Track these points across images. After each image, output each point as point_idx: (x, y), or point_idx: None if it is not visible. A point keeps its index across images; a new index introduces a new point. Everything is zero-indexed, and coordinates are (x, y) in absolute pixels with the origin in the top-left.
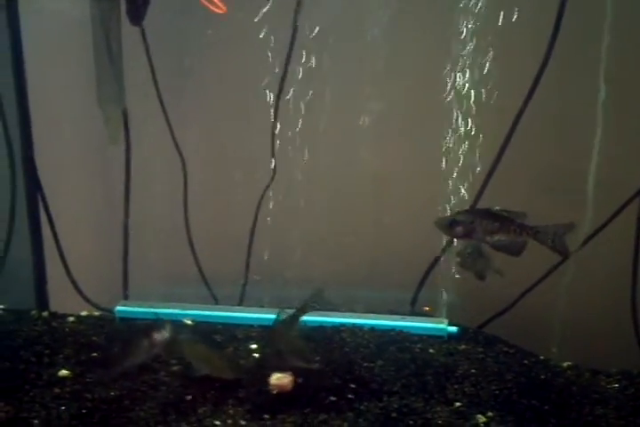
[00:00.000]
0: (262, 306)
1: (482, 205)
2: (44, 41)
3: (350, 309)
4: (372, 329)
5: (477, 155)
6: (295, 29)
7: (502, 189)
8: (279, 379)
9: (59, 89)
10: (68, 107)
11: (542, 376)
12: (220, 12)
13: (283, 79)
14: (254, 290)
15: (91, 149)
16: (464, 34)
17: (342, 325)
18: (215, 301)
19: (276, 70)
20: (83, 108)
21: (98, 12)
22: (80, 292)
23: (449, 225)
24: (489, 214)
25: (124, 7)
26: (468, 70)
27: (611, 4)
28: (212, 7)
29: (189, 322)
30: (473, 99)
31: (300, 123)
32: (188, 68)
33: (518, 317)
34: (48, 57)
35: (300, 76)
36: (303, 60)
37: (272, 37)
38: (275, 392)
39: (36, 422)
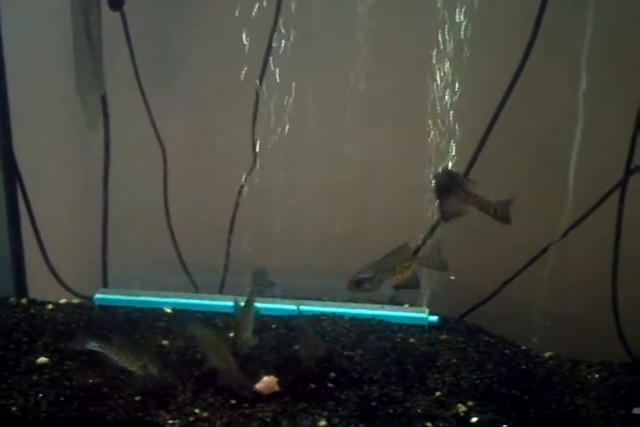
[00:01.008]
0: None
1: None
2: (22, 26)
3: (331, 298)
4: (353, 318)
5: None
6: (278, 15)
7: (487, 177)
8: (265, 383)
9: (37, 75)
10: (47, 93)
11: (523, 366)
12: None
13: (264, 66)
14: (235, 278)
15: (69, 135)
16: (448, 23)
17: (323, 314)
18: (195, 288)
19: (259, 57)
20: (61, 95)
21: None
22: (59, 279)
23: None
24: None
25: None
26: (452, 59)
27: None
28: None
29: (169, 310)
30: (458, 89)
31: (283, 111)
32: (169, 55)
33: (500, 307)
34: (26, 42)
35: (283, 64)
36: (287, 47)
37: (257, 23)
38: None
39: (14, 409)
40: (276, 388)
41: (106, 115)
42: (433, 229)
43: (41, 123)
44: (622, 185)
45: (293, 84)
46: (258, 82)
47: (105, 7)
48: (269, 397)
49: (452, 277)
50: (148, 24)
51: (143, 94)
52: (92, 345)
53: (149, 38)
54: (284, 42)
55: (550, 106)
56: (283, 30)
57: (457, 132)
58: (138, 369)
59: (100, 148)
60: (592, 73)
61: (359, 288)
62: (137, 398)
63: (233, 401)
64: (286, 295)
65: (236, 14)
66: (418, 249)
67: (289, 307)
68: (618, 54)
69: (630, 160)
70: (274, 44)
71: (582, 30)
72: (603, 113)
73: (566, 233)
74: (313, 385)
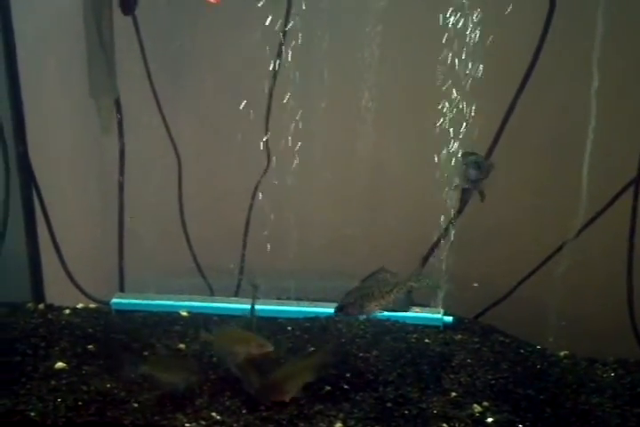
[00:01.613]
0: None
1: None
2: (35, 31)
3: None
4: (368, 319)
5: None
6: (288, 15)
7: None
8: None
9: (51, 79)
10: (61, 97)
11: (538, 366)
12: (214, 2)
13: (277, 67)
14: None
15: (84, 139)
16: (458, 22)
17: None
18: (211, 292)
19: (271, 59)
20: (75, 99)
21: (89, 0)
22: (76, 284)
23: None
24: None
25: None
26: (463, 57)
27: None
28: None
29: (185, 313)
30: (468, 87)
31: (295, 113)
32: (182, 57)
33: (515, 306)
34: (40, 46)
35: (295, 64)
36: (298, 47)
37: (269, 23)
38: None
39: (32, 414)
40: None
41: (120, 118)
42: (446, 230)
43: (56, 127)
44: (636, 182)
45: (306, 87)
46: (270, 85)
47: (117, 11)
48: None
49: (476, 284)
50: (161, 27)
51: (156, 97)
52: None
53: (162, 41)
54: (295, 43)
55: (562, 105)
56: (294, 31)
57: (468, 133)
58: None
59: (114, 151)
60: (604, 70)
61: (344, 313)
62: (153, 402)
63: (249, 404)
64: (301, 297)
65: (249, 16)
66: (427, 257)
67: (304, 309)
68: (631, 51)
69: None
70: (284, 48)
71: (593, 26)
72: (616, 111)
73: (580, 232)
74: (328, 387)
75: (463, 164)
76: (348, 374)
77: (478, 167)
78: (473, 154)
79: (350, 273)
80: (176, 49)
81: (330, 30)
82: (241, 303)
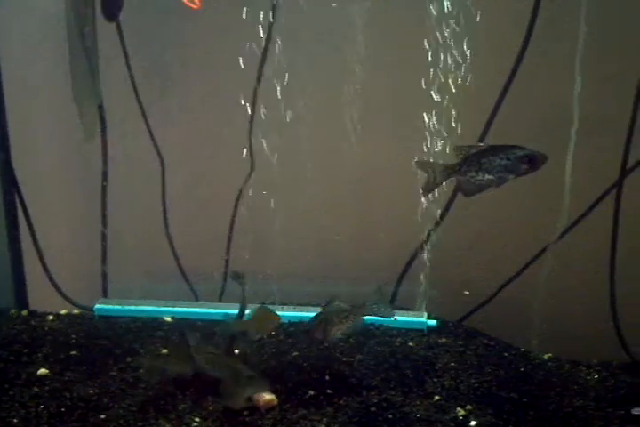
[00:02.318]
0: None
1: None
2: (18, 37)
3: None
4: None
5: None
6: (273, 22)
7: None
8: (265, 398)
9: (33, 85)
10: (44, 103)
11: (522, 369)
12: (195, 7)
13: (260, 71)
14: (234, 286)
15: (67, 145)
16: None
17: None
18: (195, 297)
19: (255, 63)
20: (58, 105)
21: (72, 5)
22: (59, 290)
23: None
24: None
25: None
26: (449, 63)
27: None
28: (187, 2)
29: (169, 319)
30: (455, 92)
31: (280, 117)
32: (165, 63)
33: (499, 309)
34: (22, 52)
35: (279, 70)
36: (282, 53)
37: (251, 29)
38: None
39: (15, 421)
40: (275, 403)
41: (103, 124)
42: (429, 234)
43: (38, 133)
44: (619, 184)
45: (290, 90)
46: (254, 88)
47: (100, 18)
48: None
49: (467, 292)
50: (144, 32)
51: (140, 103)
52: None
53: (145, 47)
54: (280, 45)
55: (545, 107)
56: (279, 34)
57: (455, 134)
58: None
59: (97, 157)
60: (587, 71)
61: (310, 338)
62: (136, 408)
63: (232, 409)
64: (285, 302)
65: (232, 21)
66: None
67: (288, 313)
68: (613, 52)
69: (625, 160)
70: (270, 48)
71: (577, 26)
72: (598, 112)
73: (563, 234)
74: (312, 392)
75: (504, 157)
76: (331, 379)
77: (529, 161)
78: (516, 147)
79: (336, 277)
80: (160, 54)
81: (314, 36)
82: (225, 308)
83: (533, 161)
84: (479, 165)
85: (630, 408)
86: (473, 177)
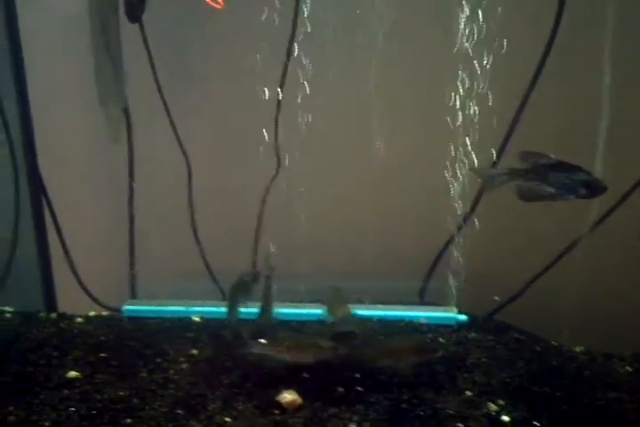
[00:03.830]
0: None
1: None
2: (42, 40)
3: (359, 300)
4: (381, 320)
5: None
6: (296, 18)
7: None
8: (287, 399)
9: (59, 88)
10: (70, 106)
11: (554, 362)
12: (219, 7)
13: (285, 69)
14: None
15: (94, 147)
16: (465, 24)
17: (351, 317)
18: (223, 296)
19: (279, 61)
20: (84, 107)
21: (96, 8)
22: (88, 292)
23: None
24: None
25: (122, 4)
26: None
27: None
28: (210, 3)
29: (197, 319)
30: (479, 88)
31: (304, 114)
32: (189, 64)
33: (530, 303)
34: (47, 56)
35: (302, 67)
36: (306, 49)
37: (274, 29)
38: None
39: (46, 424)
40: (298, 403)
41: (129, 126)
42: (458, 229)
43: (65, 136)
44: None
45: (315, 87)
46: (279, 86)
47: (124, 19)
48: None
49: (497, 298)
50: (168, 34)
51: (165, 104)
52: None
53: (169, 48)
54: (304, 44)
55: (575, 100)
56: (302, 33)
57: (480, 133)
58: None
59: (124, 158)
60: (617, 67)
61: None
62: (167, 409)
63: (263, 408)
64: (313, 300)
65: (255, 19)
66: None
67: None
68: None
69: None
70: (294, 47)
71: (604, 22)
72: (629, 106)
73: (595, 226)
74: (341, 389)
75: (569, 177)
76: (361, 377)
77: (589, 187)
78: (580, 170)
79: (363, 274)
80: (184, 56)
81: (336, 34)
82: (252, 307)
83: (593, 188)
84: (547, 176)
85: None
86: (538, 185)
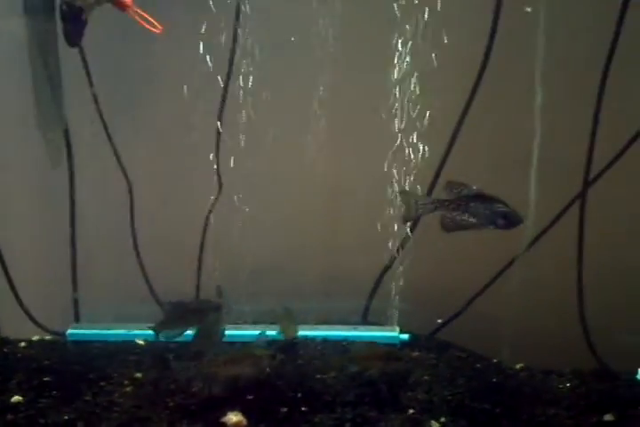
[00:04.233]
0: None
1: None
2: None
3: (303, 321)
4: (325, 340)
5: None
6: (235, 40)
7: None
8: (233, 420)
9: None
10: (8, 129)
11: (494, 379)
12: (157, 31)
13: (225, 91)
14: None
15: (34, 171)
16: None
17: (295, 337)
18: None
19: (220, 83)
20: (23, 131)
21: (34, 33)
22: (30, 316)
23: None
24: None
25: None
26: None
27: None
28: (148, 27)
29: (141, 342)
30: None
31: (245, 134)
32: (129, 87)
33: (470, 321)
34: None
35: (243, 88)
36: (246, 71)
37: (215, 49)
38: None
39: None
40: (244, 423)
41: (69, 149)
42: (402, 247)
43: (4, 159)
44: (582, 195)
45: (257, 108)
46: (220, 108)
47: (63, 43)
48: None
49: (439, 320)
50: (109, 56)
51: (106, 127)
52: None
53: (109, 72)
54: (245, 66)
55: (508, 121)
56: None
57: (421, 149)
58: None
59: (65, 182)
60: (548, 82)
61: None
62: None
63: None
64: (258, 321)
65: (197, 42)
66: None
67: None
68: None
69: (588, 171)
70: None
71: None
72: (560, 125)
73: (530, 246)
74: (285, 409)
75: (488, 208)
76: (305, 397)
77: (505, 218)
78: (498, 201)
79: (307, 294)
80: (125, 78)
81: (277, 50)
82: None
83: (509, 219)
84: (468, 207)
85: (602, 415)
86: (459, 215)
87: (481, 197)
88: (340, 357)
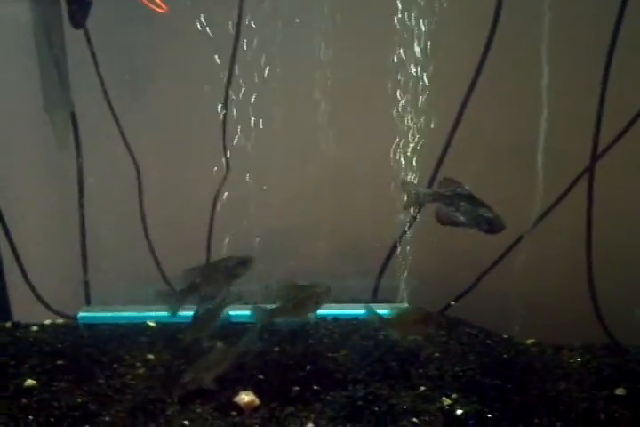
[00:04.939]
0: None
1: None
2: None
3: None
4: (336, 319)
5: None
6: (239, 23)
7: (456, 170)
8: (245, 400)
9: (3, 95)
10: (15, 113)
11: (505, 355)
12: (162, 11)
13: (230, 72)
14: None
15: (41, 154)
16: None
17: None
18: None
19: (224, 64)
20: (29, 114)
21: (39, 15)
22: (42, 300)
23: None
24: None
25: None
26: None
27: None
28: (153, 7)
29: (152, 324)
30: (423, 84)
31: (251, 117)
32: (136, 69)
33: (481, 298)
34: None
35: (250, 69)
36: (251, 52)
37: (216, 33)
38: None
39: None
40: (256, 404)
41: (76, 132)
42: (410, 226)
43: (11, 143)
44: (590, 170)
45: (263, 89)
46: (225, 90)
47: (68, 25)
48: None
49: (453, 303)
50: (114, 38)
51: (112, 109)
52: None
53: (115, 53)
54: (249, 48)
55: (515, 95)
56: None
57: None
58: None
59: (73, 165)
60: (554, 64)
61: None
62: (125, 414)
63: (221, 410)
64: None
65: (201, 27)
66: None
67: None
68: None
69: (596, 147)
70: (239, 50)
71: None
72: (567, 102)
73: (538, 222)
74: (297, 388)
75: (474, 211)
76: (317, 375)
77: (488, 224)
78: (484, 206)
79: (314, 275)
80: (131, 60)
81: (284, 33)
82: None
83: (492, 225)
84: (459, 206)
85: (613, 389)
86: (452, 211)
87: (470, 199)
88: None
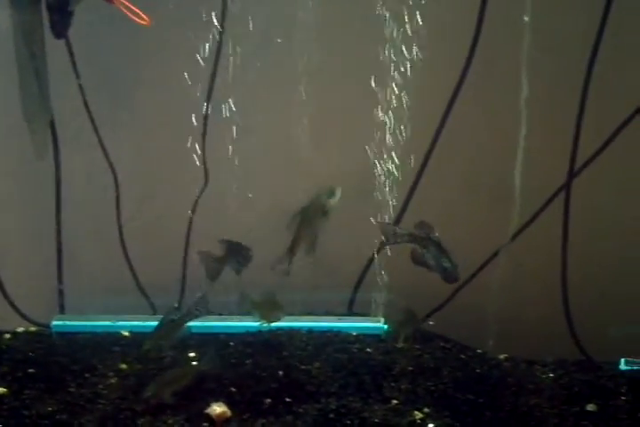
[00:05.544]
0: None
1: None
2: None
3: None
4: (310, 331)
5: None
6: (221, 31)
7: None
8: (217, 411)
9: None
10: None
11: (478, 370)
12: (144, 23)
13: (212, 80)
14: (192, 298)
15: (19, 163)
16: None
17: (279, 328)
18: (153, 310)
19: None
20: (7, 123)
21: (20, 23)
22: (15, 308)
23: None
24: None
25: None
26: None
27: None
28: (135, 19)
29: (126, 333)
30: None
31: (232, 127)
32: (116, 79)
33: (455, 312)
34: None
35: (231, 79)
36: (235, 62)
37: (200, 43)
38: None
39: None
40: (228, 415)
41: (55, 141)
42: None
43: None
44: (567, 186)
45: (244, 97)
46: (205, 101)
47: (49, 34)
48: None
49: (431, 323)
50: (95, 47)
51: (92, 119)
52: None
53: (96, 63)
54: (231, 58)
55: (494, 112)
56: (229, 43)
57: (407, 139)
58: None
59: (50, 174)
60: (533, 79)
61: None
62: (96, 424)
63: (193, 422)
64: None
65: (182, 35)
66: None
67: (247, 324)
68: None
69: (573, 163)
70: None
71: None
72: (545, 118)
73: (515, 237)
74: (269, 400)
75: (437, 259)
76: (290, 388)
77: (444, 273)
78: (447, 256)
79: (294, 286)
80: (111, 70)
81: (262, 47)
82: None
83: (447, 276)
84: (429, 250)
85: (584, 405)
86: (424, 254)
87: (437, 246)
88: None
